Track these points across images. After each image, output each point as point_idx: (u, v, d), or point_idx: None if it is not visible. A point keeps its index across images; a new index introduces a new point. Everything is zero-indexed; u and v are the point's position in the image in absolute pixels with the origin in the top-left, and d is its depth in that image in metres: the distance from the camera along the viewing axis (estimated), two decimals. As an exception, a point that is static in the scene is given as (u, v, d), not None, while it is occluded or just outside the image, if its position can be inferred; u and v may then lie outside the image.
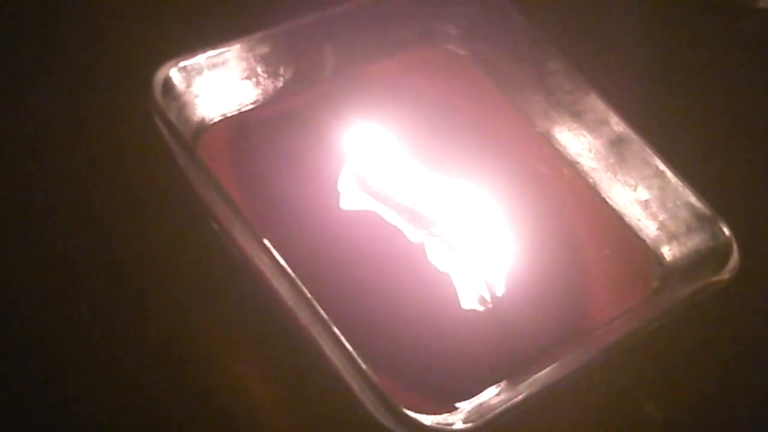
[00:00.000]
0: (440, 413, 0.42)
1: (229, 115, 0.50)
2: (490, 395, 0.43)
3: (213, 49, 0.49)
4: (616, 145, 0.52)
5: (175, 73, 0.47)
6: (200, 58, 0.48)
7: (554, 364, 0.43)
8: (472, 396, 0.43)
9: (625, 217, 0.52)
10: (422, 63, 0.55)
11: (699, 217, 0.49)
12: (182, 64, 0.47)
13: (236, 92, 0.50)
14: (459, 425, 0.40)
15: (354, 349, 0.40)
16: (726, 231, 0.48)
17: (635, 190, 0.52)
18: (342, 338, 0.40)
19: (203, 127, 0.49)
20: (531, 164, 0.53)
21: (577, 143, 0.54)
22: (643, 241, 0.51)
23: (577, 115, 0.53)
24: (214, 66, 0.49)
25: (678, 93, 0.62)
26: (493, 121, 0.54)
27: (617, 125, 0.52)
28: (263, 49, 0.50)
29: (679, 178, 0.50)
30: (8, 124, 0.51)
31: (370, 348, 0.41)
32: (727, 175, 0.58)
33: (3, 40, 0.54)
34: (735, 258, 0.47)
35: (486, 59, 0.56)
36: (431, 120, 0.53)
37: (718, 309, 0.50)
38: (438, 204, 0.49)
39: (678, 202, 0.50)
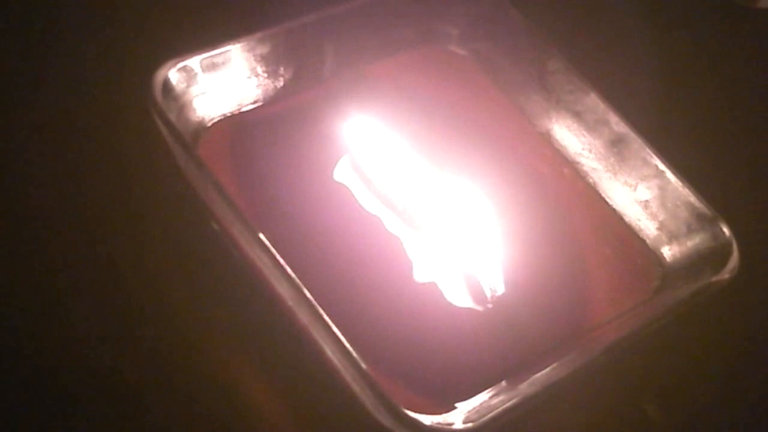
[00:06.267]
0: (440, 413, 0.42)
1: (229, 115, 0.50)
2: (490, 395, 0.43)
3: (213, 49, 0.49)
4: (616, 145, 0.52)
5: (174, 73, 0.47)
6: (200, 58, 0.48)
7: (554, 364, 0.43)
8: (472, 396, 0.43)
9: (625, 217, 0.52)
10: (422, 63, 0.55)
11: (699, 217, 0.49)
12: (182, 64, 0.47)
13: (236, 92, 0.50)
14: (459, 425, 0.40)
15: (354, 349, 0.40)
16: (726, 231, 0.48)
17: (635, 190, 0.52)
18: (342, 338, 0.40)
19: (203, 127, 0.49)
20: (531, 164, 0.53)
21: (577, 143, 0.54)
22: (643, 241, 0.51)
23: (577, 115, 0.53)
24: (213, 66, 0.49)
25: (678, 93, 0.62)
26: (493, 121, 0.54)
27: (617, 125, 0.52)
28: (263, 49, 0.50)
29: (679, 178, 0.50)
30: (8, 125, 0.51)
31: (370, 348, 0.41)
32: (727, 175, 0.58)
33: (3, 41, 0.54)
34: (735, 258, 0.47)
35: (486, 59, 0.56)
36: (431, 120, 0.53)
37: (718, 309, 0.50)
38: (438, 203, 0.49)
39: (678, 202, 0.50)
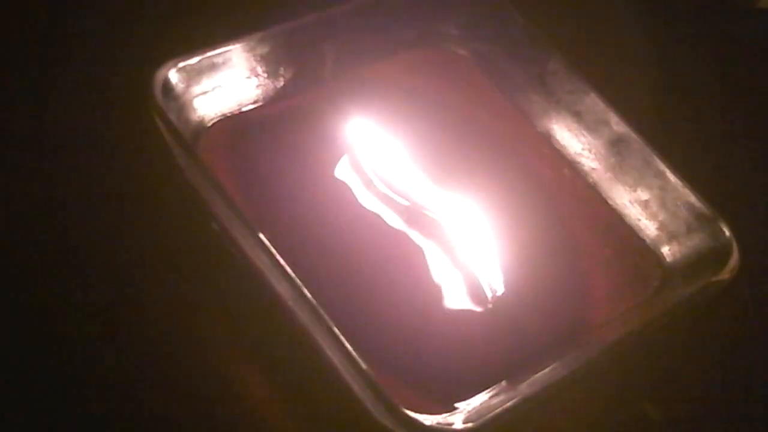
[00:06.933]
0: (440, 413, 0.42)
1: (229, 115, 0.50)
2: (490, 395, 0.43)
3: (213, 49, 0.49)
4: (616, 145, 0.52)
5: (174, 74, 0.47)
6: (200, 58, 0.48)
7: (554, 364, 0.43)
8: (472, 396, 0.43)
9: (625, 217, 0.52)
10: (422, 63, 0.55)
11: (699, 217, 0.49)
12: (182, 64, 0.47)
13: (236, 92, 0.50)
14: (459, 425, 0.40)
15: (354, 349, 0.40)
16: (726, 231, 0.48)
17: (635, 190, 0.52)
18: (342, 338, 0.40)
19: (203, 127, 0.49)
20: (531, 164, 0.53)
21: (577, 143, 0.54)
22: (643, 241, 0.51)
23: (577, 115, 0.53)
24: (213, 66, 0.49)
25: (678, 93, 0.62)
26: (493, 121, 0.54)
27: (617, 125, 0.52)
28: (263, 49, 0.50)
29: (679, 178, 0.50)
30: (8, 125, 0.51)
31: (370, 348, 0.41)
32: (727, 175, 0.58)
33: (4, 40, 0.54)
34: (735, 258, 0.47)
35: (486, 59, 0.56)
36: (431, 120, 0.53)
37: (718, 309, 0.50)
38: (437, 203, 0.49)
39: (678, 202, 0.50)
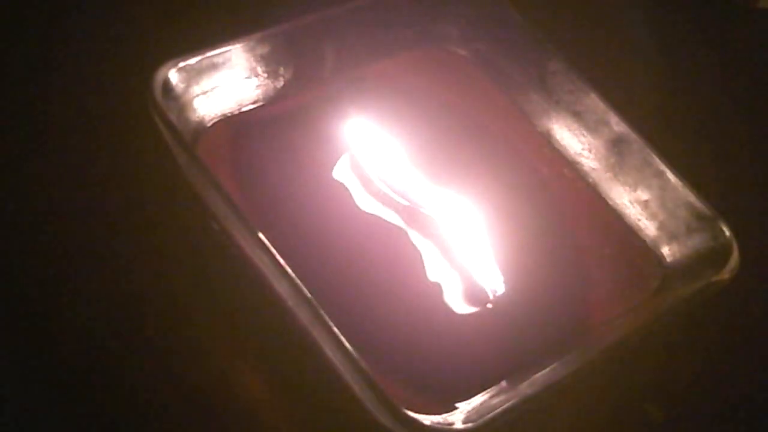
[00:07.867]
0: (440, 413, 0.42)
1: (229, 115, 0.50)
2: (490, 395, 0.43)
3: (213, 49, 0.49)
4: (616, 145, 0.52)
5: (174, 74, 0.47)
6: (200, 59, 0.48)
7: (554, 364, 0.43)
8: (472, 396, 0.43)
9: (625, 217, 0.52)
10: (422, 63, 0.55)
11: (699, 217, 0.49)
12: (182, 64, 0.47)
13: (236, 92, 0.50)
14: (459, 425, 0.40)
15: (354, 349, 0.40)
16: (726, 231, 0.48)
17: (635, 190, 0.52)
18: (342, 338, 0.40)
19: (203, 127, 0.49)
20: (531, 164, 0.53)
21: (577, 143, 0.54)
22: (643, 241, 0.51)
23: (577, 115, 0.53)
24: (213, 66, 0.49)
25: (678, 93, 0.62)
26: (493, 121, 0.54)
27: (617, 125, 0.52)
28: (263, 49, 0.50)
29: (679, 178, 0.50)
30: (8, 125, 0.51)
31: (370, 348, 0.41)
32: (727, 175, 0.58)
33: (3, 40, 0.54)
34: (735, 258, 0.47)
35: (486, 59, 0.56)
36: (431, 120, 0.53)
37: (718, 309, 0.50)
38: (437, 203, 0.49)
39: (678, 202, 0.50)
